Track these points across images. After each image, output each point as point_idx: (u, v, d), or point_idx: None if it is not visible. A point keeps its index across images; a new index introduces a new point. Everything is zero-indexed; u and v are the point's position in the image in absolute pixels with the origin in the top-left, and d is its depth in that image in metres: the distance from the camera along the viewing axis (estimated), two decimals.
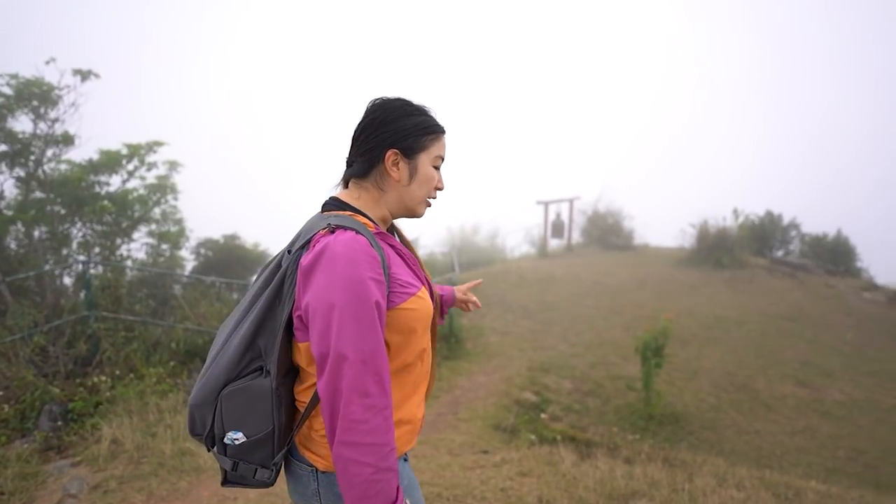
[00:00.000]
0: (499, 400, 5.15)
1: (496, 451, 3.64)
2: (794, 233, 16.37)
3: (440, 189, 1.17)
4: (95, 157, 6.63)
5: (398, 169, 1.09)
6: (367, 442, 0.92)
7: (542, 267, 12.58)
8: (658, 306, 9.79)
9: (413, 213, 1.16)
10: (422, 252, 15.34)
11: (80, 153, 6.56)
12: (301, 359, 1.03)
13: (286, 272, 1.01)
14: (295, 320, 1.00)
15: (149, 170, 7.05)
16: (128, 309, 5.28)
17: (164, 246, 7.73)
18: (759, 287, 11.68)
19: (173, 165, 7.50)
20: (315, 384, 1.01)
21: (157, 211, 7.49)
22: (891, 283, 12.19)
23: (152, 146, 6.83)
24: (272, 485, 1.07)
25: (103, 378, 3.90)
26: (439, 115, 1.15)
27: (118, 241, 6.88)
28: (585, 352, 7.23)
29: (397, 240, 1.14)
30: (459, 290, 1.54)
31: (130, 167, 6.70)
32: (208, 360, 1.04)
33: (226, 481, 1.07)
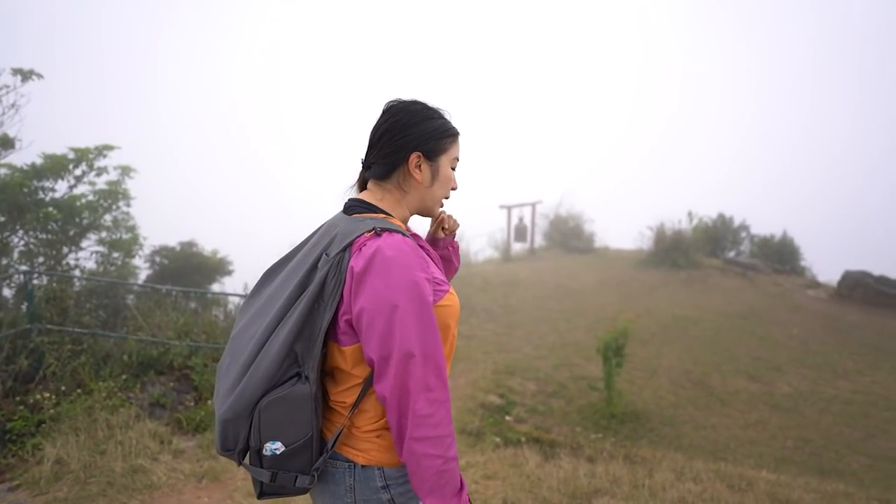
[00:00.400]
0: (464, 404, 5.16)
1: (462, 454, 3.64)
2: (744, 234, 17.13)
3: (454, 189, 1.22)
4: (39, 161, 6.28)
5: (421, 171, 1.12)
6: (435, 435, 0.95)
7: (506, 271, 12.73)
8: (619, 307, 10.05)
9: (430, 213, 1.21)
10: None
11: (22, 157, 6.20)
12: (344, 361, 1.04)
13: (326, 275, 0.99)
14: (342, 324, 1.00)
15: (98, 175, 6.72)
16: (75, 321, 5.01)
17: (116, 254, 7.38)
18: (713, 287, 12.17)
19: (126, 170, 7.18)
20: (357, 385, 1.04)
21: (108, 218, 7.15)
22: (832, 281, 12.91)
23: (102, 150, 6.52)
24: (309, 490, 1.06)
25: (47, 395, 3.68)
26: (453, 118, 1.19)
27: (65, 249, 6.54)
28: (549, 353, 7.34)
29: (424, 241, 1.18)
30: (432, 227, 1.43)
31: (78, 172, 6.38)
32: (234, 374, 1.00)
33: (262, 494, 1.05)
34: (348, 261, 0.99)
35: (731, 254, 16.51)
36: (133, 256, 7.45)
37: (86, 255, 6.69)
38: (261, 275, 1.17)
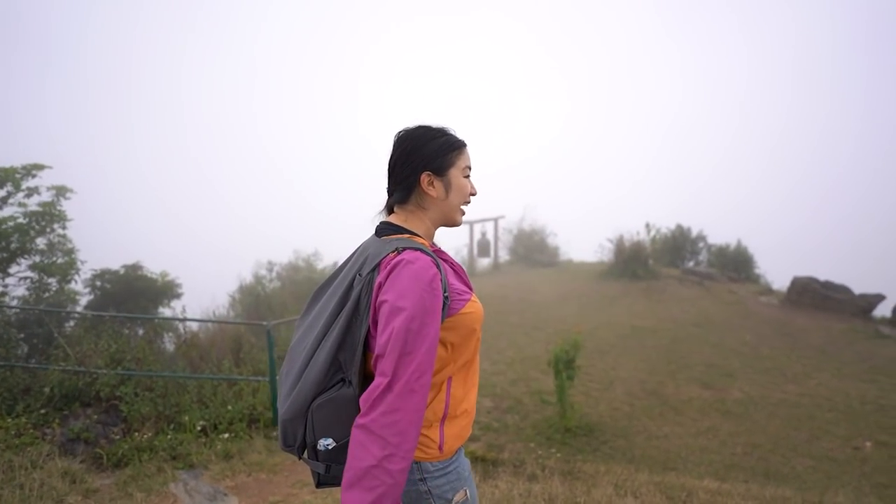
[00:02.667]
0: None
1: None
2: (701, 244, 17.63)
3: (474, 195, 1.32)
4: None
5: (434, 187, 1.24)
6: (387, 434, 1.03)
7: None
8: (579, 320, 10.10)
9: (452, 223, 1.31)
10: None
11: None
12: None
13: (361, 293, 1.13)
14: (374, 333, 1.12)
15: (28, 196, 6.39)
16: None
17: (51, 280, 7.01)
18: (671, 296, 12.40)
19: (61, 191, 6.86)
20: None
21: (40, 241, 6.80)
22: (784, 287, 13.35)
23: (30, 170, 6.21)
24: None
25: None
26: (458, 132, 1.29)
27: None
28: (507, 368, 7.27)
29: (448, 254, 1.30)
30: None
31: (2, 193, 6.04)
32: (291, 380, 1.17)
33: (320, 484, 1.20)
34: (377, 279, 1.13)
35: (690, 263, 16.93)
36: (70, 281, 7.08)
37: (14, 282, 6.31)
38: (311, 294, 1.34)
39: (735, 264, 16.15)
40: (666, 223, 16.77)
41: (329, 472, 1.16)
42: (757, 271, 16.23)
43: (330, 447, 1.13)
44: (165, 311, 8.85)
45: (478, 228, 14.74)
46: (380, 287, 1.11)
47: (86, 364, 4.73)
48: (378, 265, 1.14)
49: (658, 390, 6.82)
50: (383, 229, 1.25)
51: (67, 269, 6.99)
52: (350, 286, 1.17)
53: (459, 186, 1.27)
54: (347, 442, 1.11)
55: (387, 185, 1.29)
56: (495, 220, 15.06)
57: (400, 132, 1.27)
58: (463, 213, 1.33)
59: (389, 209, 1.30)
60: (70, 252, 7.18)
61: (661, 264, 14.62)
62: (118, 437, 4.07)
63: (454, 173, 1.25)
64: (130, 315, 6.73)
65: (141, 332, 7.17)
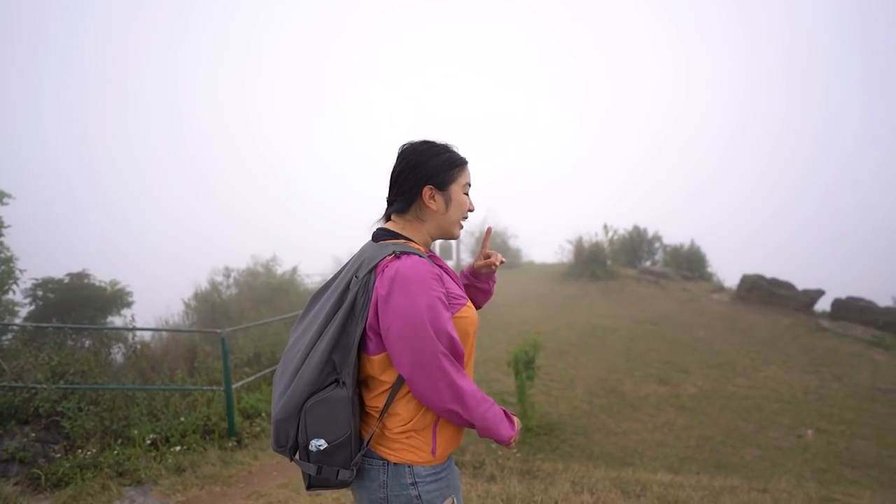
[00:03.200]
0: None
1: None
2: (657, 244, 18.23)
3: (472, 211, 1.36)
4: None
5: (435, 201, 1.27)
6: (480, 397, 1.17)
7: None
8: (541, 320, 10.26)
9: (450, 235, 1.34)
10: (312, 281, 14.78)
11: None
12: (373, 369, 1.18)
13: (356, 295, 1.16)
14: (371, 336, 1.16)
15: None
16: None
17: None
18: (629, 295, 12.75)
19: None
20: (386, 390, 1.19)
21: None
22: (734, 285, 13.96)
23: None
24: (350, 484, 1.21)
25: None
26: (460, 149, 1.34)
27: None
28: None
29: (442, 260, 1.33)
30: (477, 262, 1.56)
31: None
32: (286, 380, 1.18)
33: (310, 486, 1.22)
34: (374, 281, 1.16)
35: (647, 263, 17.48)
36: (6, 292, 6.67)
37: None
38: (309, 298, 1.35)
39: (689, 263, 16.78)
40: (623, 224, 17.27)
41: (320, 474, 1.16)
42: (710, 270, 16.92)
43: (321, 448, 1.15)
44: (116, 321, 8.46)
45: None
46: (378, 295, 1.15)
47: (23, 379, 4.45)
48: (375, 268, 1.17)
49: (617, 388, 7.00)
50: (380, 235, 1.30)
51: (4, 279, 6.60)
52: (346, 288, 1.20)
53: (459, 202, 1.31)
54: (339, 443, 1.15)
55: (387, 195, 1.33)
56: None
57: (405, 145, 1.32)
58: (461, 227, 1.36)
59: (388, 217, 1.35)
60: (8, 261, 6.78)
61: (619, 264, 15.03)
62: (59, 455, 3.85)
63: (455, 189, 1.29)
64: (75, 326, 6.39)
65: (88, 343, 6.83)
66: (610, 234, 14.70)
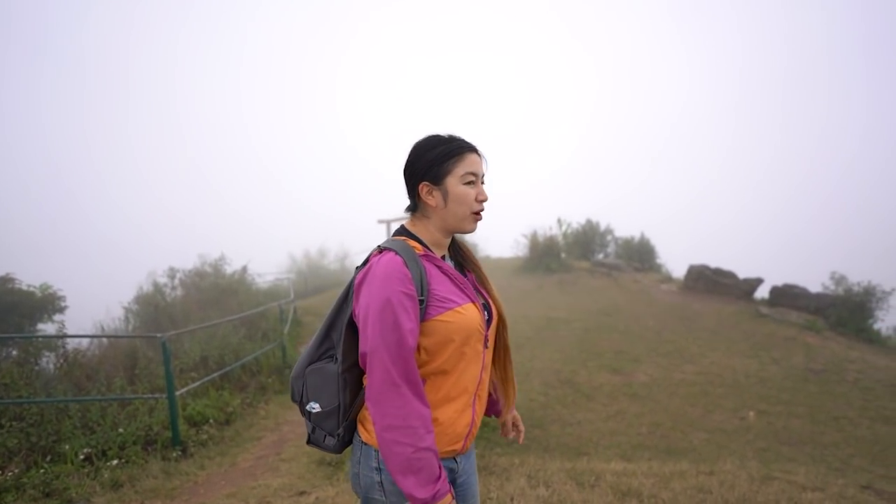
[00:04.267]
0: None
1: (313, 490, 3.34)
2: (609, 237, 18.74)
3: (483, 200, 1.29)
4: None
5: (433, 197, 1.26)
6: (403, 425, 1.09)
7: None
8: None
9: (462, 229, 1.30)
10: (265, 280, 14.32)
11: None
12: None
13: (352, 283, 1.25)
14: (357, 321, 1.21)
15: None
16: None
17: None
18: (582, 288, 13.05)
19: None
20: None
21: None
22: (682, 276, 14.54)
23: None
24: (338, 452, 1.31)
25: None
26: (465, 138, 1.29)
27: None
28: None
29: (447, 262, 1.32)
30: (510, 414, 1.56)
31: None
32: (306, 348, 1.33)
33: (309, 441, 1.34)
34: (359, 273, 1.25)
35: (599, 256, 17.94)
36: None
37: None
38: None
39: (640, 255, 17.35)
40: (576, 218, 17.64)
41: (314, 434, 1.30)
42: (659, 261, 17.56)
43: (314, 411, 1.28)
44: (47, 328, 7.88)
45: (394, 227, 14.60)
46: (355, 285, 1.22)
47: None
48: (366, 261, 1.25)
49: (572, 379, 7.12)
50: (398, 232, 1.34)
51: None
52: (354, 278, 1.28)
53: (458, 195, 1.25)
54: (331, 410, 1.26)
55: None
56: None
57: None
58: (476, 219, 1.30)
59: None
60: None
61: (573, 257, 15.35)
62: None
63: (451, 182, 1.25)
64: (3, 335, 5.90)
65: (14, 353, 6.32)
66: (564, 227, 15.00)
